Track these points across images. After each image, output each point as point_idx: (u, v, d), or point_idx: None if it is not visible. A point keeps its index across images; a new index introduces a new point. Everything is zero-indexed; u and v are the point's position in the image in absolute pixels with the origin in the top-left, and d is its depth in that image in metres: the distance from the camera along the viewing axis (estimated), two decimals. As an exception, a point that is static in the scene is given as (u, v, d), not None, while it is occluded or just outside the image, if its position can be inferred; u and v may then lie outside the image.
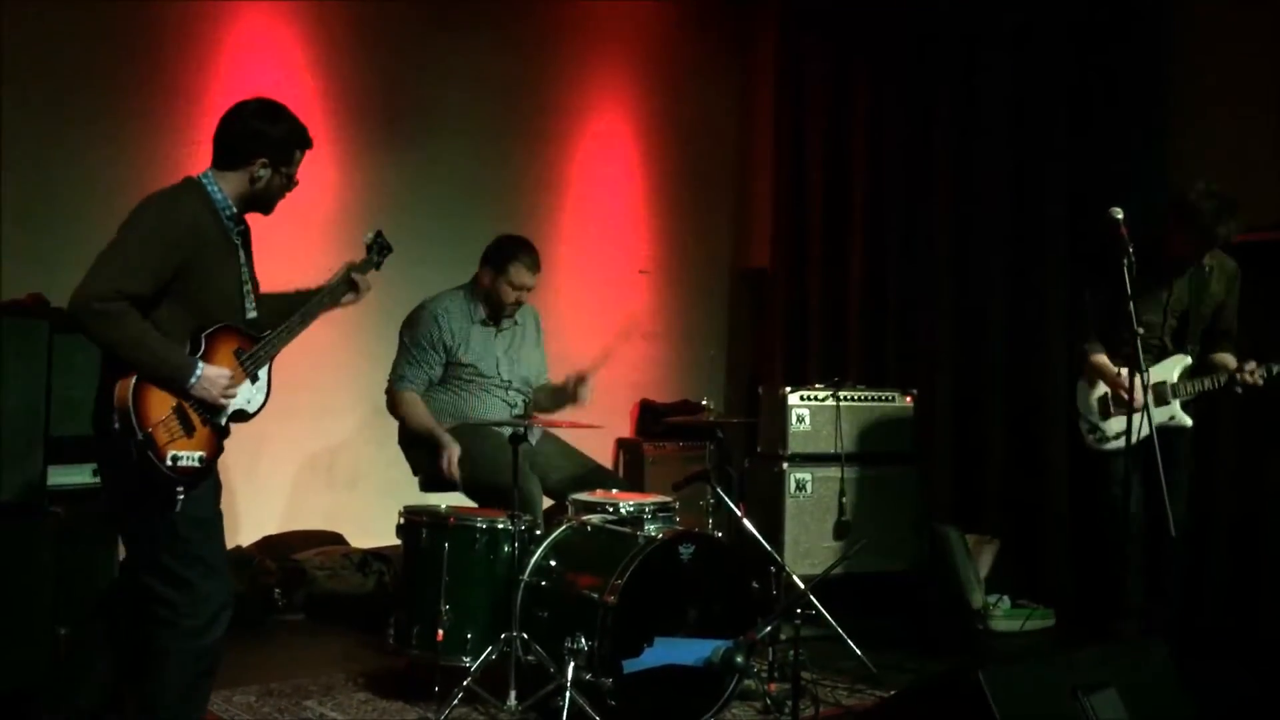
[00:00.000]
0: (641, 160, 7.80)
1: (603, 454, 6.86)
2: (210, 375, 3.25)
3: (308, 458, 6.50)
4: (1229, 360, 4.75)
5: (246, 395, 3.41)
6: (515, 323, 5.11)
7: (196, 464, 3.26)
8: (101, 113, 5.74)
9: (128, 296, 3.15)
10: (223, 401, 3.29)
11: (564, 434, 5.04)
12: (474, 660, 4.11)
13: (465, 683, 4.04)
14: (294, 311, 3.55)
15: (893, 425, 5.96)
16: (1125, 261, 4.23)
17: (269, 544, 6.04)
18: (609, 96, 7.65)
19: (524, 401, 5.06)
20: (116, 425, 3.16)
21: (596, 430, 4.90)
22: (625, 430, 7.54)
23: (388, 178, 6.68)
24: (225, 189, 3.40)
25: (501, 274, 4.94)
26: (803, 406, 5.80)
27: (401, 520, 4.45)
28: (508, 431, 4.43)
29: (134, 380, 3.15)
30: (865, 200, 7.18)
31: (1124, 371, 4.52)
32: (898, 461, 5.94)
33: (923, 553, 5.90)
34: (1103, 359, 4.79)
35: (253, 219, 3.60)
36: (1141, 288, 4.58)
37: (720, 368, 8.05)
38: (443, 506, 4.50)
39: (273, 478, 6.36)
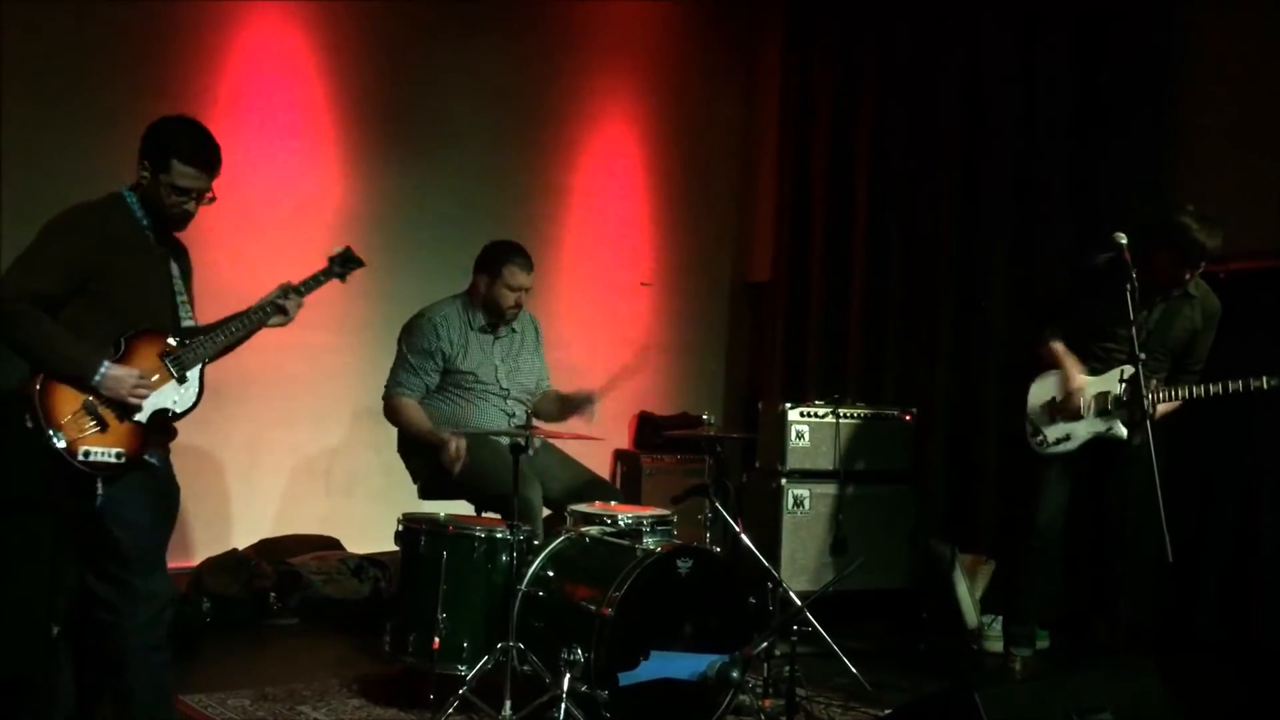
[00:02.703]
0: (645, 171, 7.82)
1: (600, 465, 6.87)
2: (115, 374, 3.33)
3: (305, 462, 6.50)
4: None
5: (173, 395, 3.48)
6: (514, 330, 5.11)
7: (113, 459, 3.35)
8: (108, 116, 5.71)
9: (34, 297, 3.28)
10: (130, 400, 3.36)
11: (563, 444, 5.04)
12: (469, 669, 4.11)
13: (460, 691, 4.04)
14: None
15: (891, 443, 5.97)
16: (1128, 286, 4.30)
17: (265, 547, 6.03)
18: (614, 107, 7.67)
19: (523, 410, 5.06)
20: (29, 423, 3.26)
21: (595, 441, 4.93)
22: (623, 441, 7.54)
23: (392, 183, 6.70)
24: (138, 198, 3.51)
25: (497, 278, 4.94)
26: (802, 423, 5.81)
27: (400, 527, 4.44)
28: (507, 441, 4.43)
29: (41, 378, 3.27)
30: (868, 217, 7.20)
31: (1077, 375, 4.86)
32: (895, 479, 5.96)
33: (919, 571, 5.91)
34: (1060, 346, 4.93)
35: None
36: (1122, 303, 4.70)
37: (719, 381, 8.05)
38: (442, 514, 4.50)
39: (270, 481, 6.37)
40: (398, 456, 5.07)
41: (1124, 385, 4.82)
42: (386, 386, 4.98)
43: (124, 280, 3.42)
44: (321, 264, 3.83)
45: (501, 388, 5.01)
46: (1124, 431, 4.82)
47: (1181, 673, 3.97)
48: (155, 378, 3.42)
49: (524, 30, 7.17)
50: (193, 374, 3.52)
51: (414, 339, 4.96)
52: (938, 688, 4.74)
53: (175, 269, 3.61)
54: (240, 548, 5.99)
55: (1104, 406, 4.85)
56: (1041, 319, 5.08)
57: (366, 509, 6.35)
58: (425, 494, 5.01)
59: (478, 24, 6.96)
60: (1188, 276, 4.73)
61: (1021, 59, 6.43)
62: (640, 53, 7.73)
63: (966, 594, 5.81)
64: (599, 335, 7.47)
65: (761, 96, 8.04)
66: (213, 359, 3.62)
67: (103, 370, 3.31)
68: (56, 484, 3.35)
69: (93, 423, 3.32)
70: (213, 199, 3.55)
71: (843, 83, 7.39)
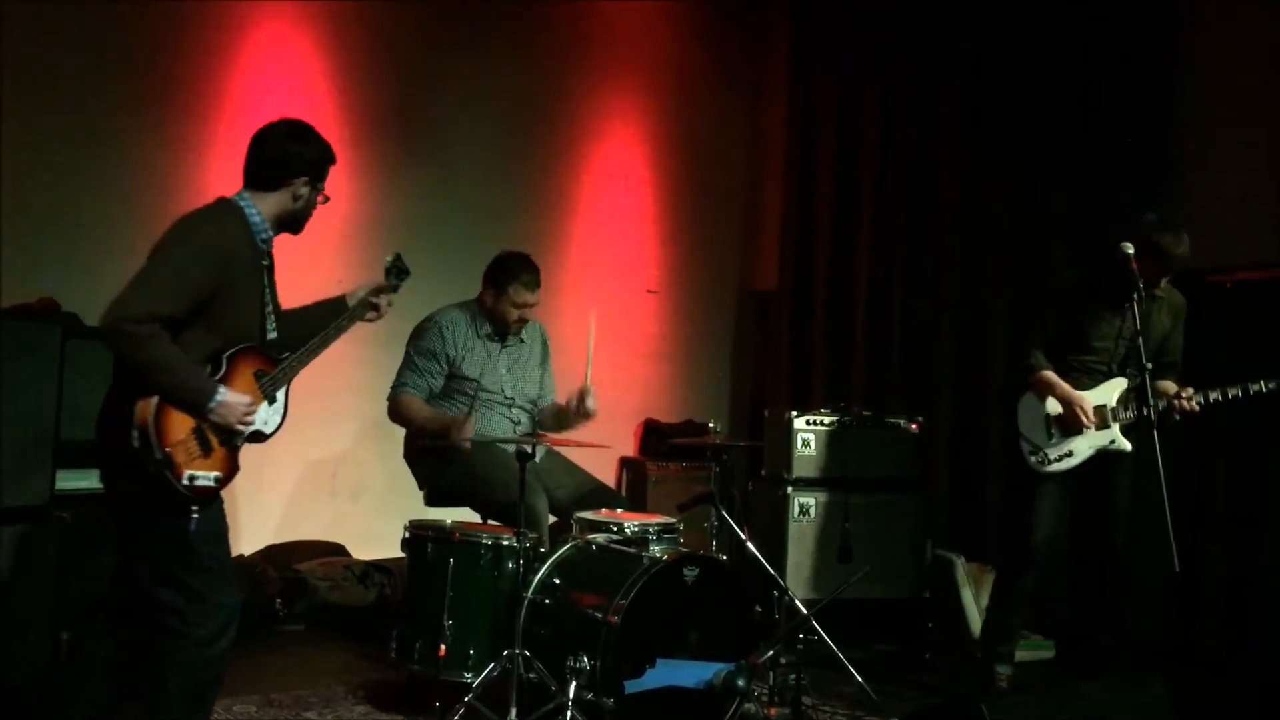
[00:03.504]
0: (651, 180, 7.82)
1: (606, 472, 6.87)
2: (229, 401, 3.28)
3: (311, 468, 6.51)
4: (1170, 387, 4.84)
5: (264, 417, 3.44)
6: (521, 340, 5.12)
7: (212, 484, 3.31)
8: (113, 123, 5.74)
9: (160, 319, 3.18)
10: (239, 427, 3.33)
11: (568, 452, 5.05)
12: (475, 676, 4.11)
13: (466, 699, 4.04)
14: (310, 327, 3.58)
15: (897, 451, 5.97)
16: (1136, 296, 4.34)
17: (271, 554, 6.04)
18: (620, 117, 7.68)
19: (528, 419, 5.06)
20: (136, 443, 3.19)
21: (601, 449, 4.93)
22: (629, 449, 7.54)
23: (400, 192, 6.70)
24: (263, 210, 3.43)
25: (503, 294, 4.96)
26: (808, 431, 5.81)
27: (407, 534, 4.46)
28: (514, 448, 4.43)
29: (155, 401, 3.18)
30: (873, 225, 7.20)
31: (1078, 393, 4.79)
32: (901, 488, 5.96)
33: (924, 580, 5.90)
34: (1052, 375, 4.88)
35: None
36: (1097, 316, 4.83)
37: (725, 389, 8.05)
38: (448, 522, 4.51)
39: (276, 487, 6.36)
40: (404, 463, 5.08)
41: (1119, 398, 4.82)
42: (391, 388, 5.00)
43: (233, 298, 3.34)
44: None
45: (506, 396, 5.02)
46: (1127, 444, 4.81)
47: (1187, 686, 3.98)
48: (253, 400, 3.38)
49: (531, 39, 7.18)
50: (281, 394, 3.48)
51: (420, 341, 4.99)
52: (943, 697, 4.76)
53: (267, 277, 3.53)
54: (246, 554, 6.00)
55: (1104, 420, 4.84)
56: (1036, 340, 5.01)
57: (372, 516, 6.35)
58: (431, 501, 5.02)
59: (484, 33, 6.96)
60: (1155, 282, 4.76)
61: (1028, 70, 6.43)
62: (646, 62, 7.74)
63: (972, 603, 5.81)
64: (604, 343, 7.43)
65: (767, 104, 8.05)
66: None
67: (218, 398, 3.25)
68: (149, 504, 3.29)
69: (199, 447, 3.27)
70: None
71: (848, 91, 7.40)
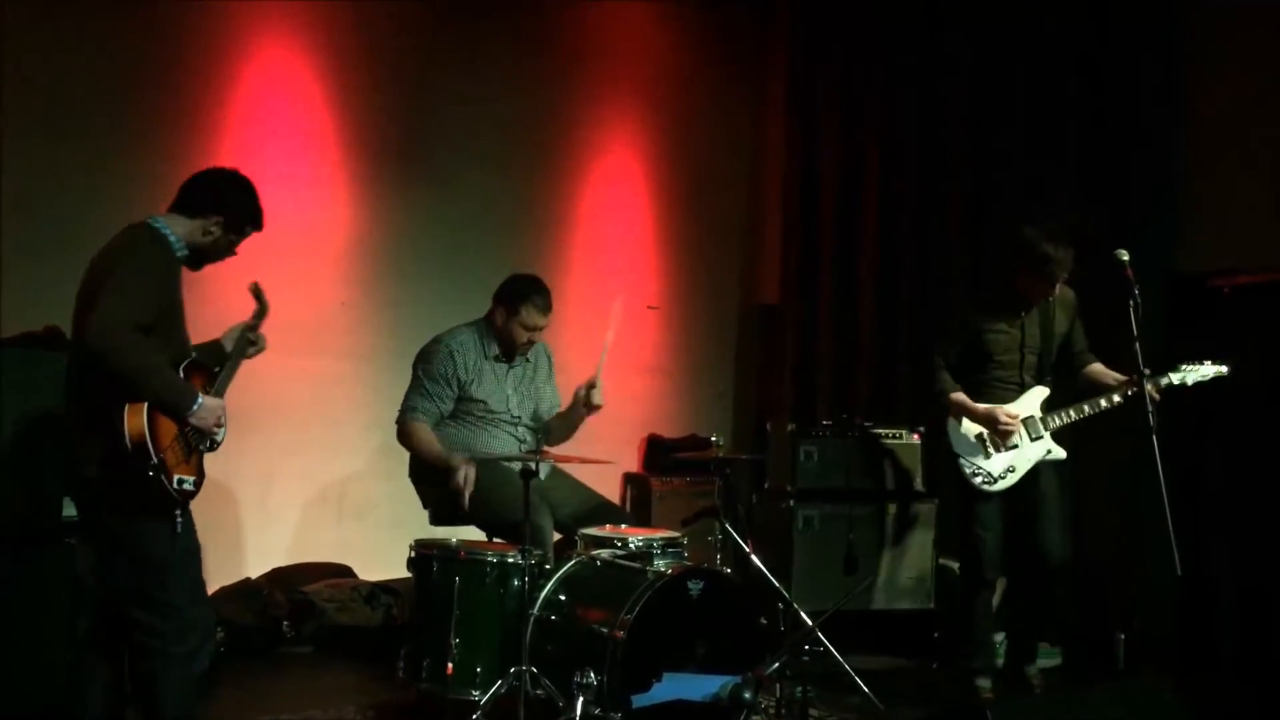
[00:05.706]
0: (652, 196, 7.83)
1: (610, 488, 6.88)
2: (208, 405, 3.44)
3: (317, 490, 6.52)
4: (1106, 372, 4.91)
5: None
6: (527, 359, 5.14)
7: (192, 488, 3.45)
8: (117, 148, 5.77)
9: (142, 328, 3.34)
10: (215, 430, 3.48)
11: (572, 468, 5.07)
12: (483, 694, 4.12)
13: (475, 716, 4.06)
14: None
15: (901, 462, 5.98)
16: (1131, 303, 4.38)
17: (278, 576, 6.05)
18: (620, 133, 7.69)
19: (533, 437, 5.08)
20: (130, 450, 3.29)
21: (604, 465, 4.94)
22: (633, 465, 7.55)
23: (400, 212, 6.72)
24: (177, 231, 3.58)
25: (514, 315, 4.98)
26: (811, 443, 5.83)
27: (412, 554, 4.46)
28: (518, 466, 4.46)
29: (146, 407, 3.31)
30: (876, 237, 7.20)
31: (1000, 409, 4.84)
32: (906, 499, 5.97)
33: (930, 590, 5.91)
34: (964, 397, 4.93)
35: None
36: (994, 331, 4.90)
37: (728, 403, 8.06)
38: (453, 540, 4.52)
39: (282, 510, 6.38)
40: (409, 483, 5.09)
41: (1043, 405, 4.90)
42: (401, 410, 5.00)
43: (176, 312, 3.53)
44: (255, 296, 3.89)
45: (513, 415, 5.04)
46: (1062, 452, 4.89)
47: (1198, 691, 3.97)
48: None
49: (531, 58, 7.19)
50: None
51: (431, 365, 4.99)
52: (950, 706, 4.77)
53: None
54: (253, 577, 6.01)
55: (1035, 430, 4.88)
56: (935, 363, 5.04)
57: (378, 536, 6.35)
58: (437, 520, 5.04)
59: (484, 52, 6.98)
60: (1049, 290, 4.83)
61: (1031, 80, 6.42)
62: (647, 77, 7.75)
63: (978, 612, 5.80)
64: (608, 358, 7.46)
65: (768, 118, 8.05)
66: None
67: (199, 401, 3.40)
68: (138, 515, 3.40)
69: (183, 451, 3.40)
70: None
71: (850, 102, 7.40)
